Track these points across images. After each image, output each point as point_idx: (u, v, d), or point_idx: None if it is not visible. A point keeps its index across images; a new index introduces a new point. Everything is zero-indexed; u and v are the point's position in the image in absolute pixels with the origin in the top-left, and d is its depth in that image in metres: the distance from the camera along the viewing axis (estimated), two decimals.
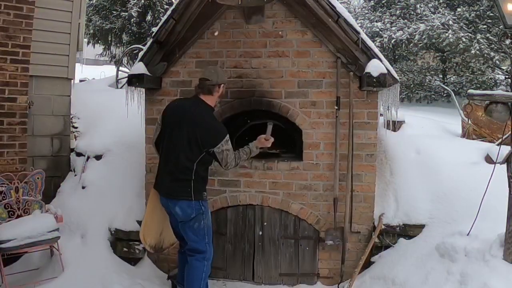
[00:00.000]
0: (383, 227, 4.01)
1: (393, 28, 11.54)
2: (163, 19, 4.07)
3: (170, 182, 3.45)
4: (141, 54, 4.22)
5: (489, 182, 3.46)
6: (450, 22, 10.43)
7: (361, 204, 4.04)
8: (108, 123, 5.44)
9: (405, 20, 11.93)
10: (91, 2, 12.87)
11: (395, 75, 3.92)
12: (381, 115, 4.55)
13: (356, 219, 4.05)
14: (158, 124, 3.60)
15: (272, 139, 3.58)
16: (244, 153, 3.54)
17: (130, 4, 12.20)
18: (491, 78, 11.82)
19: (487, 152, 4.48)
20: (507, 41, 10.50)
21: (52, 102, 5.05)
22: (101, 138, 5.22)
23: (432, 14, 11.52)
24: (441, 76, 13.14)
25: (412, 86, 12.56)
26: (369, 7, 14.10)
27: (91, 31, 13.01)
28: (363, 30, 4.03)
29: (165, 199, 3.51)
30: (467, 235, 3.55)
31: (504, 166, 3.29)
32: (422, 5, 12.34)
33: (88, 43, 13.40)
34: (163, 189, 3.52)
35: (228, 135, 3.43)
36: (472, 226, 3.54)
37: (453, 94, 8.45)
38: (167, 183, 3.47)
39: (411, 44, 11.33)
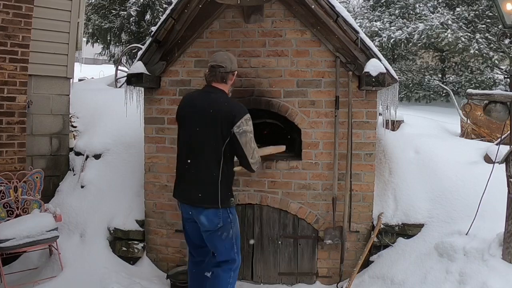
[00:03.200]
0: (382, 226, 4.02)
1: (392, 28, 11.53)
2: (162, 18, 4.06)
3: (194, 187, 3.10)
4: (140, 53, 4.22)
5: (488, 182, 3.47)
6: (449, 22, 10.43)
7: (360, 204, 4.05)
8: (107, 122, 5.44)
9: (404, 20, 11.91)
10: (90, 1, 12.88)
11: (394, 74, 3.92)
12: (380, 114, 4.56)
13: (355, 218, 4.05)
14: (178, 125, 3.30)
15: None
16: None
17: (129, 3, 12.21)
18: (490, 78, 11.83)
19: (486, 151, 4.48)
20: (506, 41, 10.50)
21: (51, 101, 5.05)
22: (100, 137, 5.22)
23: (431, 14, 11.52)
24: (440, 75, 13.14)
25: (411, 85, 12.55)
26: (368, 7, 14.08)
27: (90, 30, 13.02)
28: (362, 30, 4.03)
29: (187, 206, 3.16)
30: (466, 234, 3.56)
31: (503, 165, 3.29)
32: (421, 5, 12.34)
33: (87, 42, 13.42)
34: (185, 195, 3.17)
35: (249, 115, 3.08)
36: (471, 225, 3.55)
37: (452, 94, 8.44)
38: (189, 188, 3.13)
39: (410, 44, 11.31)
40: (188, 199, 3.15)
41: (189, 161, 3.13)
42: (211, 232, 3.11)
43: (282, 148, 4.00)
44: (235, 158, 3.19)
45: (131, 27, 12.50)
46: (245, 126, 3.02)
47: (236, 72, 3.30)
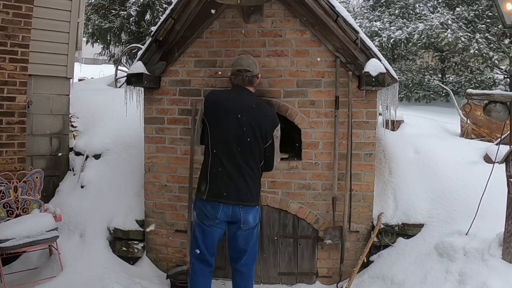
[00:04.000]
0: (382, 226, 4.02)
1: (392, 28, 11.52)
2: (162, 18, 4.06)
3: (243, 186, 3.11)
4: (140, 53, 4.22)
5: (487, 182, 3.47)
6: (449, 22, 10.42)
7: (360, 204, 4.05)
8: (107, 122, 5.44)
9: (404, 20, 11.91)
10: (90, 1, 12.87)
11: (394, 74, 3.92)
12: (380, 114, 4.56)
13: (355, 218, 4.05)
14: (201, 120, 3.25)
15: None
16: None
17: (129, 3, 12.20)
18: (490, 78, 11.83)
19: (486, 151, 4.48)
20: (506, 41, 10.50)
21: (51, 101, 5.04)
22: (100, 137, 5.22)
23: (431, 14, 11.52)
24: (440, 75, 13.14)
25: (411, 85, 12.55)
26: (368, 7, 14.08)
27: (90, 30, 13.01)
28: (362, 30, 4.03)
29: (231, 207, 3.10)
30: (466, 234, 3.56)
31: (503, 165, 3.29)
32: (421, 5, 12.33)
33: (87, 42, 13.41)
34: (232, 196, 3.09)
35: None
36: (470, 225, 3.55)
37: (452, 94, 8.43)
38: (237, 188, 3.10)
39: (410, 44, 11.31)
40: (236, 199, 3.11)
41: (234, 161, 3.12)
42: (250, 230, 3.24)
43: (284, 155, 4.10)
44: None
45: (131, 27, 12.49)
46: (279, 132, 3.27)
47: (260, 75, 3.45)
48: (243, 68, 3.28)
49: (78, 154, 5.17)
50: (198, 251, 3.26)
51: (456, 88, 11.86)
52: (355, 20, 8.42)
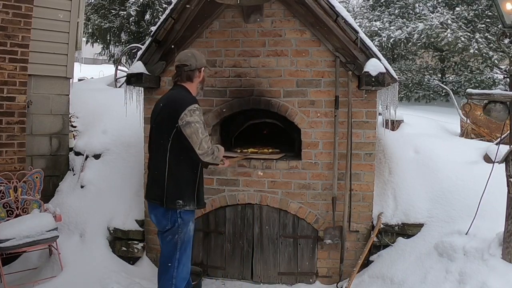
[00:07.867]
0: (381, 226, 4.02)
1: (392, 27, 11.51)
2: (162, 18, 4.07)
3: (151, 184, 3.13)
4: (140, 53, 4.22)
5: (487, 181, 3.47)
6: (449, 21, 10.42)
7: (359, 203, 4.05)
8: (107, 122, 5.44)
9: (404, 19, 11.90)
10: (90, 1, 12.86)
11: (394, 74, 3.92)
12: (379, 114, 4.56)
13: (355, 218, 4.05)
14: None
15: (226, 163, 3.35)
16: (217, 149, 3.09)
17: (129, 3, 12.19)
18: (489, 78, 11.82)
19: (485, 151, 4.48)
20: (506, 40, 10.51)
21: (50, 101, 5.04)
22: (100, 137, 5.23)
23: (430, 13, 11.51)
24: (439, 75, 13.13)
25: (410, 85, 12.54)
26: (368, 6, 14.08)
27: (90, 30, 12.99)
28: (361, 30, 4.03)
29: (149, 204, 3.17)
30: (466, 234, 3.56)
31: (503, 165, 3.29)
32: (420, 4, 12.33)
33: (87, 42, 13.39)
34: (146, 191, 3.23)
35: (196, 105, 2.97)
36: (470, 225, 3.55)
37: (452, 93, 8.43)
38: (149, 185, 3.17)
39: (410, 43, 11.29)
40: (146, 194, 3.21)
41: (149, 160, 3.21)
42: (161, 232, 3.11)
43: (279, 154, 4.13)
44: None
45: (131, 27, 12.48)
46: (188, 117, 2.90)
47: (203, 68, 3.20)
48: (180, 64, 3.11)
49: (78, 154, 5.18)
50: None
51: (456, 88, 11.84)
52: (354, 20, 8.43)
